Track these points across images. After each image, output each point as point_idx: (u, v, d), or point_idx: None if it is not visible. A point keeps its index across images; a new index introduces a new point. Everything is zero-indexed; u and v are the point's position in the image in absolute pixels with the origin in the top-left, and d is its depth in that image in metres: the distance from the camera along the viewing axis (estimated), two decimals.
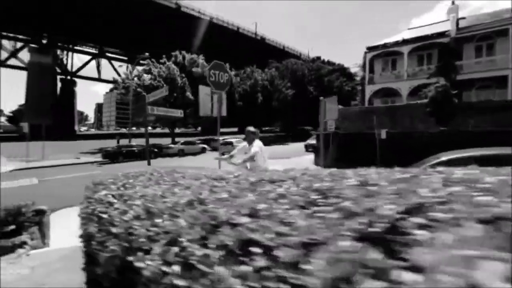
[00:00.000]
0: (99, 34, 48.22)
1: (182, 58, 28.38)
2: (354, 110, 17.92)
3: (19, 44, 48.15)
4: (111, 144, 25.20)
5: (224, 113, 6.17)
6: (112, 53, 58.22)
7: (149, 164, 5.87)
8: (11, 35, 45.74)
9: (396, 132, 12.05)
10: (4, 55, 47.65)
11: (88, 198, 1.44)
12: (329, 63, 52.89)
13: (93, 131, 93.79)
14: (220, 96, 6.10)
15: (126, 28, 47.00)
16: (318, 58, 54.03)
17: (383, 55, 21.82)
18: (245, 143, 4.43)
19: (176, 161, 18.09)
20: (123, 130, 59.42)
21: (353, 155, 11.04)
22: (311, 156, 17.00)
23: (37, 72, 45.38)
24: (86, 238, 1.16)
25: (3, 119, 67.08)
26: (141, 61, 32.02)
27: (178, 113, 6.05)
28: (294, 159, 17.38)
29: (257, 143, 4.22)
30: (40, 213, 4.55)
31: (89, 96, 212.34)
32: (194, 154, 21.92)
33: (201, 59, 29.29)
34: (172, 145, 21.73)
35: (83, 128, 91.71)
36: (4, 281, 3.23)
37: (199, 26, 52.95)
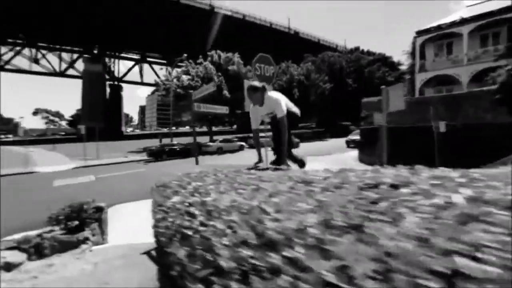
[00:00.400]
0: (141, 40, 51.46)
1: (218, 57, 28.84)
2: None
3: (75, 56, 53.58)
4: (154, 143, 26.65)
5: None
6: (153, 57, 61.75)
7: (197, 163, 5.83)
8: (69, 48, 51.14)
9: (457, 125, 10.67)
10: (63, 66, 53.47)
11: (160, 206, 1.24)
12: (368, 53, 49.61)
13: (137, 131, 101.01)
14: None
15: (164, 33, 49.42)
16: (357, 48, 50.97)
17: (436, 39, 19.54)
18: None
19: (217, 159, 18.39)
20: (165, 130, 62.94)
21: (406, 151, 10.02)
22: (354, 153, 15.98)
23: (90, 79, 50.10)
24: (170, 261, 0.94)
25: (64, 123, 75.49)
26: (179, 63, 33.44)
27: (224, 109, 5.90)
28: (335, 156, 16.52)
29: (275, 97, 2.72)
30: (99, 210, 4.76)
31: (133, 99, 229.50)
32: (232, 151, 22.14)
33: (236, 57, 29.47)
34: (211, 143, 22.20)
35: (128, 129, 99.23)
36: (69, 276, 3.32)
37: (232, 25, 53.58)
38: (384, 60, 45.41)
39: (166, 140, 24.85)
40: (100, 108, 49.09)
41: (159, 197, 1.35)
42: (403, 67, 36.32)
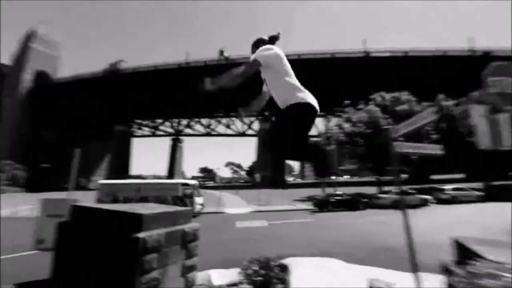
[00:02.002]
0: None
1: (382, 99, 26.30)
2: None
3: (253, 119, 67.94)
4: (315, 192, 26.36)
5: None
6: None
7: (406, 220, 4.13)
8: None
9: None
10: (244, 128, 68.83)
11: None
12: None
13: (298, 180, 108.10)
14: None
15: (322, 85, 53.06)
16: None
17: None
18: None
19: (395, 215, 14.95)
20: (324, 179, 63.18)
21: None
22: None
23: (263, 136, 61.04)
24: None
25: (243, 172, 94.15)
26: (337, 113, 33.34)
27: (437, 149, 4.05)
28: None
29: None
30: (283, 269, 4.07)
31: None
32: (411, 206, 17.58)
33: (404, 96, 25.72)
34: (383, 195, 18.80)
35: (290, 178, 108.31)
36: None
37: (391, 63, 49.53)
38: None
39: (329, 189, 23.87)
40: (268, 160, 57.29)
41: None
42: None
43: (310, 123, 1.80)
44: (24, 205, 21.55)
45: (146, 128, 71.48)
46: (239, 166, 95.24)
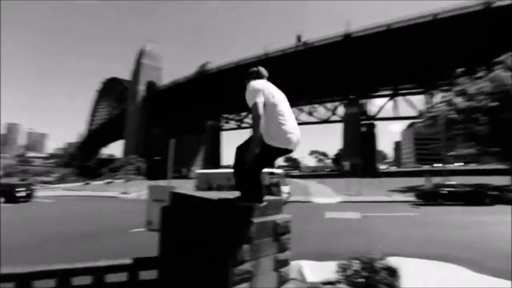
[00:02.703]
0: (391, 75, 50.35)
1: None
2: None
3: (336, 103, 63.82)
4: (415, 182, 22.71)
5: None
6: (405, 89, 57.80)
7: None
8: (329, 98, 62.46)
9: None
10: (327, 114, 65.36)
11: None
12: None
13: (393, 169, 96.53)
14: None
15: (416, 59, 44.57)
16: None
17: None
18: None
19: None
20: (425, 167, 54.05)
21: None
22: None
23: (348, 121, 56.50)
24: None
25: (328, 161, 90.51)
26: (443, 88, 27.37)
27: None
28: None
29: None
30: (392, 273, 3.39)
31: (386, 136, 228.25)
32: None
33: None
34: None
35: (382, 166, 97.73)
36: None
37: None
38: None
39: (435, 179, 20.03)
40: (357, 146, 52.94)
41: None
42: None
43: (273, 161, 2.08)
44: (145, 191, 27.03)
45: (232, 122, 77.36)
46: (324, 154, 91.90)
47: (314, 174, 67.25)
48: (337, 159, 76.40)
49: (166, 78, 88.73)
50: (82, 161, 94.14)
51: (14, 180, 35.77)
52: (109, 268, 2.04)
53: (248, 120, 74.29)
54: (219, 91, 63.52)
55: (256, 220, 1.84)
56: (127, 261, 2.14)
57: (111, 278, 1.97)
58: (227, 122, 79.04)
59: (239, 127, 77.32)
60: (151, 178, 52.29)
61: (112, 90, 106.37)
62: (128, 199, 24.04)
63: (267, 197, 1.98)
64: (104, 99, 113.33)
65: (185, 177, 52.41)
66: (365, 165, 49.34)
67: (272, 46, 61.75)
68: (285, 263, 2.10)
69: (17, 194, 20.09)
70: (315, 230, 8.62)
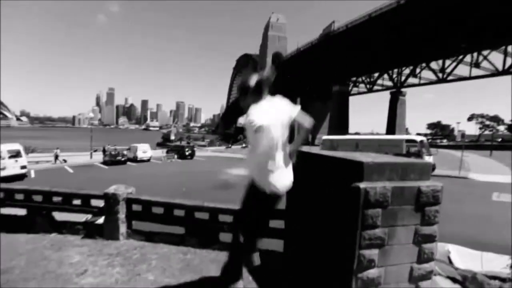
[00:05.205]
0: None
1: None
2: None
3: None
4: None
5: None
6: None
7: None
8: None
9: None
10: (508, 63, 45.99)
11: None
12: None
13: None
14: None
15: None
16: None
17: None
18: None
19: None
20: None
21: None
22: None
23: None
24: None
25: (502, 127, 66.60)
26: None
27: None
28: None
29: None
30: None
31: None
32: None
33: None
34: None
35: None
36: None
37: None
38: None
39: None
40: None
41: None
42: None
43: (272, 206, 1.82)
44: None
45: (362, 85, 69.61)
46: (494, 118, 68.03)
47: (476, 144, 52.01)
48: None
49: (290, 47, 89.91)
50: (224, 129, 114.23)
51: (183, 143, 50.34)
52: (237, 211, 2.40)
53: (381, 81, 64.88)
54: (347, 52, 58.04)
55: (392, 184, 1.59)
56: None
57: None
58: (355, 86, 72.33)
59: (370, 90, 69.21)
60: None
61: (245, 66, 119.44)
62: None
63: (408, 159, 1.64)
64: (239, 75, 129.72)
65: (310, 143, 53.53)
66: None
67: None
68: (429, 238, 1.76)
69: (186, 153, 28.91)
70: (472, 212, 6.83)
